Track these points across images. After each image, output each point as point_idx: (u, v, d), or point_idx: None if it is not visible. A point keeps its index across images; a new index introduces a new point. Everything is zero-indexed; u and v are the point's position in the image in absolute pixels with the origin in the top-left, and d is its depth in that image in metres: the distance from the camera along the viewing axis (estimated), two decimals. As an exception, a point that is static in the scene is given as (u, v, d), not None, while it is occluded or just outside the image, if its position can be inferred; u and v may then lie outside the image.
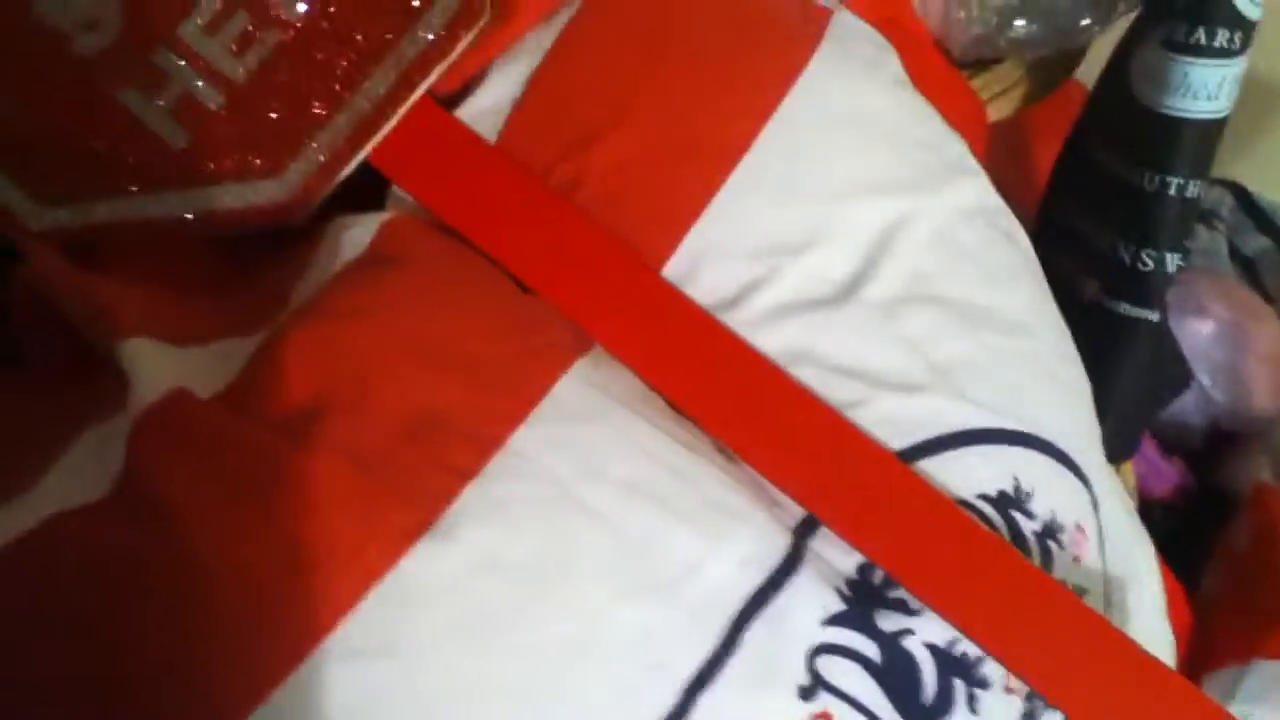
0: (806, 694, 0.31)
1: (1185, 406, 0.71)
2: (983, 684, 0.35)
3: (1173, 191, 0.47)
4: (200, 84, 0.38)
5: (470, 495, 0.31)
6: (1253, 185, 0.78)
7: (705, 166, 0.37)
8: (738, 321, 0.35)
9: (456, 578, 0.29)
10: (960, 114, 0.47)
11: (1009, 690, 0.36)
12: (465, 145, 0.37)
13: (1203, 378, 0.70)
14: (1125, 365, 0.49)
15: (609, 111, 0.38)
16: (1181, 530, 0.66)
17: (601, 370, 0.34)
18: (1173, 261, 0.48)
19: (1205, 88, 0.46)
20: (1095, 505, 0.41)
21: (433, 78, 0.38)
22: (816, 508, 0.33)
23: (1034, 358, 0.40)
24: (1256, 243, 0.77)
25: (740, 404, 0.33)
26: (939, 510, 0.34)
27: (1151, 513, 0.66)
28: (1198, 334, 0.70)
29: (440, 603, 0.29)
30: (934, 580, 0.33)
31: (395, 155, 0.36)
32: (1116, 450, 0.51)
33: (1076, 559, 0.39)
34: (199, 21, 0.38)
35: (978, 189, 0.40)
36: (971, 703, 0.35)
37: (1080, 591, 0.40)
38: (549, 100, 0.38)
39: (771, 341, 0.36)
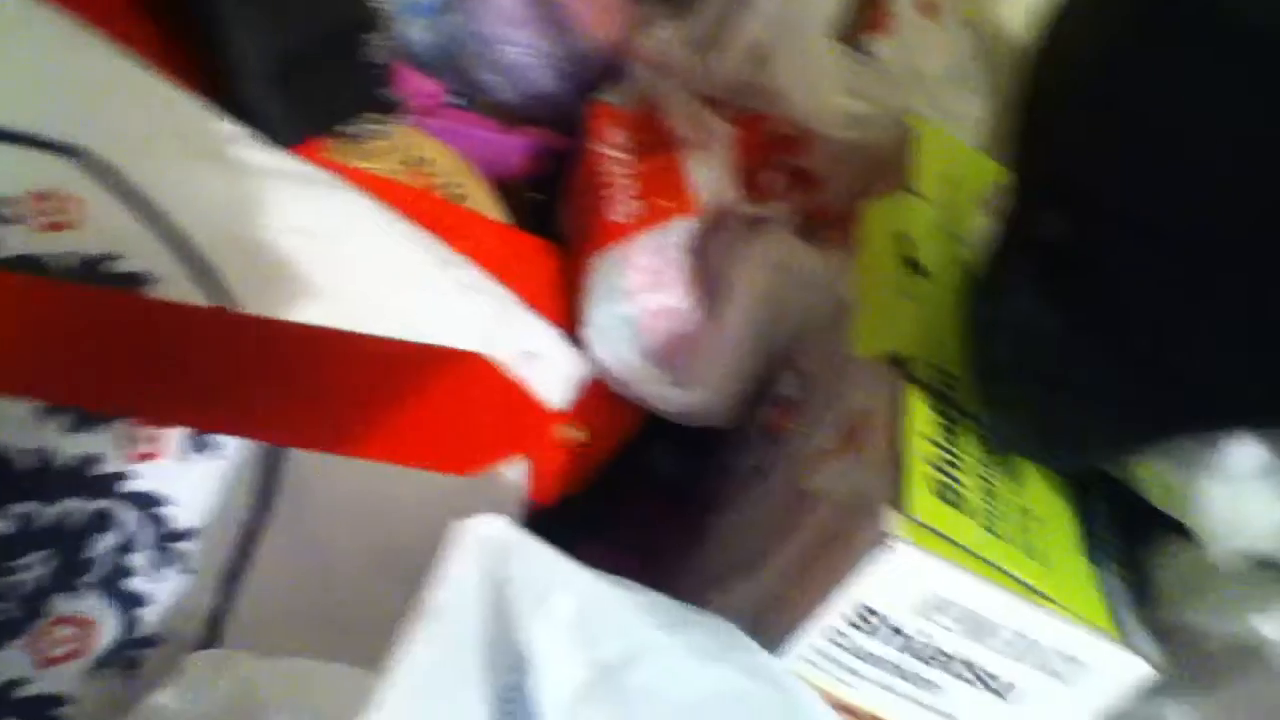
0: None
1: (528, 76, 0.66)
2: None
3: None
4: None
5: None
6: None
7: None
8: None
9: None
10: None
11: None
12: None
13: (523, 39, 0.65)
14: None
15: None
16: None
17: None
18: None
19: None
20: (102, 173, 0.35)
21: None
22: None
23: None
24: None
25: None
26: None
27: (516, 190, 0.61)
28: (493, 7, 0.64)
29: None
30: None
31: None
32: (314, 119, 0.46)
33: (58, 226, 0.33)
34: None
35: None
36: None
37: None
38: None
39: None
